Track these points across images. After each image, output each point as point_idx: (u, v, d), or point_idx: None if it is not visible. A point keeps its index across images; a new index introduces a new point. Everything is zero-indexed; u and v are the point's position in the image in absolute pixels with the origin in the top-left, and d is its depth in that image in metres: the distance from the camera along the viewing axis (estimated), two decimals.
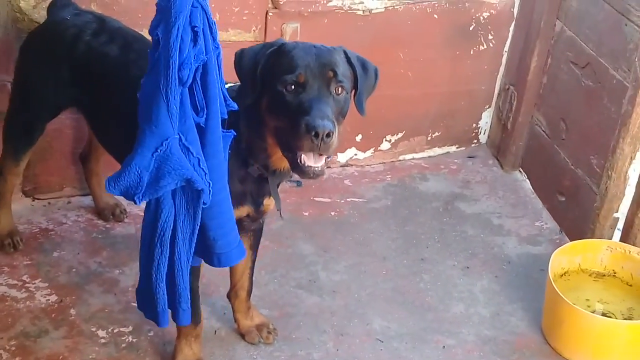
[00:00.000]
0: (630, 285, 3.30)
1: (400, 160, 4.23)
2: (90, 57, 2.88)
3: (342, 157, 4.11)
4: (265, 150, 2.52)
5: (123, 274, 3.27)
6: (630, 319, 3.18)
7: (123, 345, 2.97)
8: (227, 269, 3.01)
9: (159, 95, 2.19)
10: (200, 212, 2.37)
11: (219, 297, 3.17)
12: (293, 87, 2.38)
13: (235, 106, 2.42)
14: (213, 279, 3.23)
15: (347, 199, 3.90)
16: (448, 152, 4.32)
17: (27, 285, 3.18)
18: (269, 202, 2.71)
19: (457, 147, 4.33)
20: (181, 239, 2.41)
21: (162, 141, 2.23)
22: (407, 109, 4.09)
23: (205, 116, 2.29)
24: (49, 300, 3.12)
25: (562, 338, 3.11)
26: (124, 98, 2.55)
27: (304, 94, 2.38)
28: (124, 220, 3.55)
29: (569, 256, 3.32)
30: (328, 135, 2.31)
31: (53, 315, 3.06)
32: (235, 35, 3.58)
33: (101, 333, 3.01)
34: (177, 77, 2.17)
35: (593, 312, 3.14)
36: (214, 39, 2.27)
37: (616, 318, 3.17)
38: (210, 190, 2.34)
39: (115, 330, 3.02)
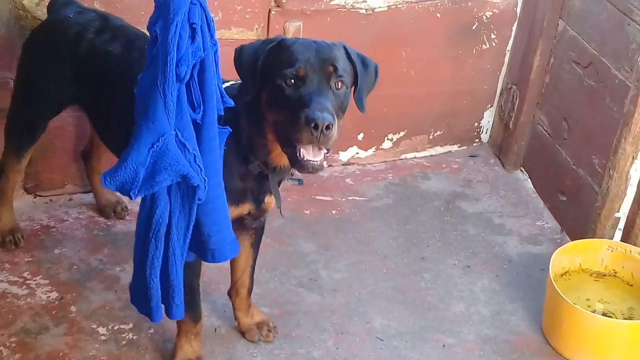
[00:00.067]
0: (631, 285, 3.30)
1: (401, 159, 4.23)
2: (93, 55, 2.88)
3: (343, 156, 4.11)
4: (265, 147, 2.52)
5: (124, 271, 3.27)
6: (630, 318, 3.18)
7: (123, 342, 2.98)
8: (228, 266, 3.02)
9: (156, 92, 2.19)
10: (195, 208, 2.38)
11: (219, 295, 3.17)
12: (293, 81, 2.39)
13: (231, 103, 2.43)
14: (214, 277, 3.24)
15: (349, 198, 3.90)
16: (450, 151, 4.32)
17: (28, 282, 3.19)
18: (270, 200, 2.72)
19: (459, 146, 4.33)
20: (176, 235, 2.41)
21: (159, 137, 2.24)
22: (409, 107, 4.09)
23: (201, 113, 2.30)
24: (49, 297, 3.13)
25: (562, 338, 3.11)
26: (126, 96, 2.55)
27: (304, 88, 2.38)
28: (125, 218, 3.55)
29: (570, 256, 3.32)
30: (327, 127, 2.31)
31: (54, 312, 3.06)
32: (237, 33, 3.58)
33: (101, 330, 3.01)
34: (174, 74, 2.18)
35: (593, 312, 3.14)
36: (212, 36, 2.27)
37: (616, 318, 3.17)
38: (205, 187, 2.35)
39: (115, 328, 3.03)
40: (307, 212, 3.76)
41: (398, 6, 3.82)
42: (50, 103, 3.08)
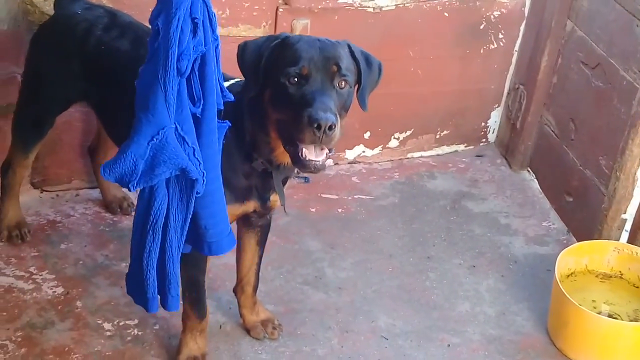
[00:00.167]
0: (637, 287, 3.29)
1: (408, 158, 4.22)
2: (101, 51, 2.88)
3: (350, 154, 4.11)
4: (268, 144, 2.52)
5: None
6: (636, 320, 3.17)
7: (128, 338, 2.98)
8: (233, 264, 3.03)
9: (157, 85, 2.20)
10: (193, 201, 2.39)
11: (224, 292, 3.18)
12: (296, 79, 2.38)
13: (231, 97, 2.44)
14: (219, 274, 3.24)
15: (355, 196, 3.90)
16: (456, 151, 4.32)
17: (34, 276, 3.19)
18: (276, 198, 2.71)
19: (466, 146, 4.33)
20: (173, 227, 2.42)
21: (159, 130, 2.25)
22: (416, 106, 4.09)
23: (201, 107, 2.31)
24: (55, 292, 3.14)
25: (567, 339, 3.10)
26: (133, 93, 2.55)
27: (307, 87, 2.37)
28: (131, 214, 3.55)
29: (576, 257, 3.32)
30: (330, 127, 2.30)
31: (59, 307, 3.07)
32: (245, 30, 3.58)
33: (107, 325, 3.02)
34: (175, 68, 2.19)
35: (599, 314, 3.14)
36: (214, 31, 2.28)
37: (622, 319, 3.17)
38: (204, 180, 2.36)
39: (121, 323, 3.03)
40: (313, 210, 3.76)
41: (406, 5, 3.81)
42: (58, 99, 3.08)
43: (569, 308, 3.02)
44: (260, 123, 2.50)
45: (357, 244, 3.59)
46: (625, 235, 3.44)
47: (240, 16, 3.56)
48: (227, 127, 2.44)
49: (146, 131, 2.25)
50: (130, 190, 2.34)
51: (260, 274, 3.02)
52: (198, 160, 2.32)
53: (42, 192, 3.62)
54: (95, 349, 2.92)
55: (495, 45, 4.08)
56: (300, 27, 3.65)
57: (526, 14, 4.05)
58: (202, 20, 2.22)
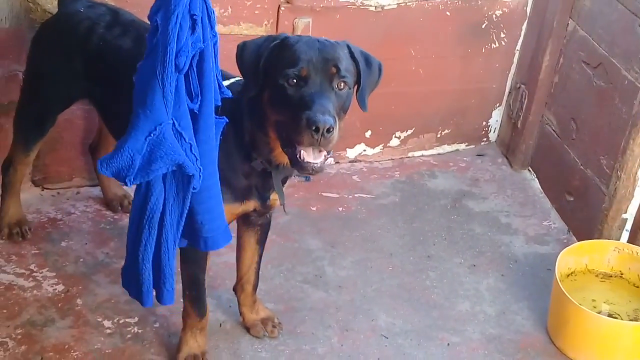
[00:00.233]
0: (637, 287, 3.29)
1: (409, 157, 4.22)
2: (104, 49, 2.88)
3: (351, 153, 4.11)
4: (267, 145, 2.52)
5: None
6: (636, 320, 3.17)
7: (128, 335, 2.98)
8: (233, 262, 3.03)
9: (155, 81, 2.21)
10: (189, 197, 2.40)
11: (224, 290, 3.18)
12: (295, 81, 2.37)
13: (229, 93, 2.44)
14: (219, 272, 3.25)
15: (355, 195, 3.90)
16: (457, 150, 4.32)
17: (34, 274, 3.20)
18: (275, 197, 2.71)
19: (467, 145, 4.33)
20: (169, 222, 2.43)
21: (156, 126, 2.25)
22: (417, 105, 4.09)
23: (199, 103, 2.32)
24: (55, 289, 3.14)
25: (567, 338, 3.10)
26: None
27: (306, 88, 2.37)
28: None
29: (576, 256, 3.32)
30: (329, 130, 2.30)
31: (59, 305, 3.07)
32: (247, 29, 3.58)
33: (107, 323, 3.02)
34: (173, 64, 2.20)
35: (599, 313, 3.14)
36: (212, 28, 2.29)
37: (622, 319, 3.17)
38: (200, 176, 2.36)
39: (121, 321, 3.04)
40: (314, 208, 3.77)
41: (408, 4, 3.81)
42: (60, 97, 3.08)
43: (569, 307, 3.02)
44: (259, 123, 2.50)
45: (358, 242, 3.59)
46: (625, 235, 3.44)
47: (242, 14, 3.56)
48: (225, 124, 2.44)
49: (144, 126, 2.26)
50: (127, 185, 2.35)
51: (260, 272, 3.02)
52: (195, 156, 2.33)
53: (43, 190, 3.63)
54: (96, 347, 2.92)
55: (497, 45, 4.08)
56: (302, 25, 3.65)
57: (528, 14, 4.05)
58: (201, 17, 2.23)
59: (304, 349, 3.03)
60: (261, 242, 2.96)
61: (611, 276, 3.34)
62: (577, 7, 3.72)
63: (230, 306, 3.14)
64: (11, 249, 3.30)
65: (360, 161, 4.14)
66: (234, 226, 2.87)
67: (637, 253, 3.27)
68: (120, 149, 2.28)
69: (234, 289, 3.06)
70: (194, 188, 2.38)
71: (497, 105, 4.27)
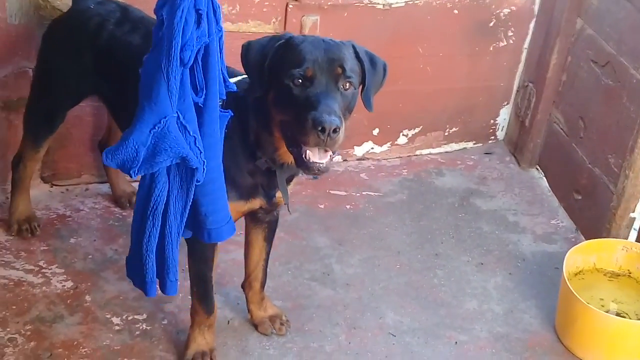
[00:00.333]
0: None
1: (416, 155, 4.22)
2: (113, 45, 2.89)
3: (358, 151, 4.11)
4: (272, 144, 2.52)
5: None
6: None
7: (137, 332, 2.99)
8: (241, 259, 3.04)
9: (160, 74, 2.23)
10: (193, 189, 2.41)
11: (232, 288, 3.19)
12: (300, 81, 2.37)
13: (234, 87, 2.45)
14: (227, 270, 3.25)
15: (363, 193, 3.90)
16: (465, 148, 4.31)
17: (43, 270, 3.21)
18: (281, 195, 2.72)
19: (474, 143, 4.33)
20: (173, 214, 2.45)
21: (161, 119, 2.27)
22: (424, 103, 4.09)
23: (204, 96, 2.33)
24: (64, 286, 3.15)
25: (575, 337, 3.10)
26: None
27: (312, 89, 2.37)
28: None
29: (584, 255, 3.32)
30: (335, 130, 2.30)
31: (68, 301, 3.08)
32: (255, 26, 3.58)
33: (115, 320, 3.03)
34: (178, 58, 2.22)
35: (607, 312, 3.14)
36: (217, 22, 2.30)
37: (630, 318, 3.16)
38: (204, 169, 2.38)
39: (129, 318, 3.05)
40: (321, 206, 3.77)
41: (415, 2, 3.81)
42: (70, 93, 3.09)
43: (577, 306, 3.02)
44: (264, 122, 2.50)
45: (365, 240, 3.59)
46: (633, 234, 3.44)
47: (250, 12, 3.56)
48: (230, 118, 2.45)
49: (148, 119, 2.28)
50: (131, 177, 2.36)
51: (268, 269, 3.03)
52: (199, 149, 2.35)
53: (52, 187, 3.64)
54: (104, 343, 2.93)
55: (505, 43, 4.07)
56: (310, 23, 3.65)
57: (536, 12, 4.04)
58: (206, 12, 2.24)
59: (312, 346, 3.03)
60: (269, 239, 2.96)
61: (619, 275, 3.34)
62: (585, 6, 3.72)
63: (238, 303, 3.14)
64: (20, 245, 3.31)
65: (368, 159, 4.14)
66: (241, 223, 2.88)
67: None
68: (125, 140, 2.30)
69: (242, 286, 3.06)
70: (197, 181, 2.39)
71: (505, 103, 4.27)
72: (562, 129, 3.93)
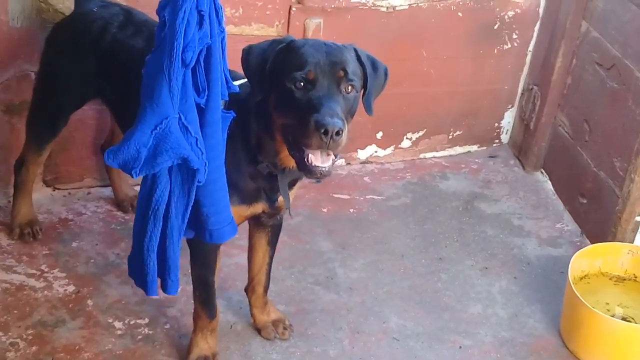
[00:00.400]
0: None
1: (420, 159, 4.21)
2: (116, 49, 2.88)
3: (362, 154, 4.10)
4: (274, 148, 2.51)
5: None
6: None
7: (139, 337, 2.98)
8: (244, 263, 3.03)
9: (162, 75, 2.23)
10: (194, 190, 2.41)
11: (235, 292, 3.17)
12: (302, 84, 2.36)
13: (236, 89, 2.44)
14: (230, 274, 3.24)
15: (366, 196, 3.89)
16: (469, 152, 4.30)
17: (45, 274, 3.20)
18: None
19: (479, 147, 4.31)
20: (174, 214, 2.45)
21: (162, 120, 2.27)
22: (428, 107, 4.08)
23: (206, 97, 2.33)
24: (66, 290, 3.14)
25: (580, 341, 3.08)
26: None
27: (314, 92, 2.35)
28: None
29: (590, 259, 3.30)
30: (337, 133, 2.28)
31: (70, 306, 3.07)
32: (258, 29, 3.58)
33: (118, 324, 3.02)
34: (180, 59, 2.22)
35: (612, 316, 3.12)
36: (220, 23, 2.30)
37: (636, 322, 3.14)
38: (205, 170, 2.38)
39: (131, 322, 3.03)
40: (325, 210, 3.76)
41: (419, 4, 3.80)
42: (73, 97, 3.09)
43: (582, 310, 3.00)
44: (265, 126, 2.49)
45: (369, 244, 3.58)
46: (639, 238, 3.41)
47: (254, 15, 3.55)
48: (232, 119, 2.45)
49: (150, 120, 2.28)
50: (133, 177, 2.36)
51: (271, 274, 3.01)
52: (200, 150, 2.35)
53: (54, 190, 3.63)
54: (106, 348, 2.92)
55: (509, 46, 4.06)
56: (313, 26, 3.64)
57: (541, 15, 4.03)
58: (209, 13, 2.24)
59: (315, 351, 3.01)
60: (272, 243, 2.95)
61: (625, 279, 3.32)
62: (590, 8, 3.70)
63: (241, 308, 3.13)
64: (22, 249, 3.30)
65: (372, 162, 4.13)
66: (245, 227, 2.86)
67: None
68: (127, 141, 2.30)
69: (245, 291, 3.05)
70: (198, 181, 2.39)
71: (510, 106, 4.25)
72: (567, 132, 3.91)
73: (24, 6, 3.24)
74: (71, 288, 3.15)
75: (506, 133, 4.33)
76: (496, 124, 4.29)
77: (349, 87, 2.41)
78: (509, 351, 3.10)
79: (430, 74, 3.99)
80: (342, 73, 2.39)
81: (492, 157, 4.28)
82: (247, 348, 3.00)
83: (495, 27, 3.98)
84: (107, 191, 3.64)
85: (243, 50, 2.47)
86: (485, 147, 4.32)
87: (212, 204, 2.46)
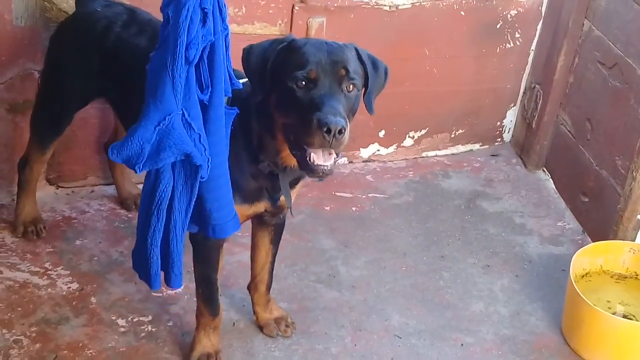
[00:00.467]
0: None
1: (423, 157, 4.22)
2: (120, 48, 2.89)
3: (364, 153, 4.11)
4: (275, 147, 2.51)
5: None
6: None
7: (142, 334, 2.99)
8: (246, 261, 3.04)
9: (165, 72, 2.25)
10: (197, 185, 2.42)
11: (238, 289, 3.18)
12: (304, 83, 2.36)
13: (240, 85, 2.45)
14: (233, 271, 3.25)
15: (369, 195, 3.89)
16: (471, 150, 4.30)
17: (49, 272, 3.21)
18: None
19: (481, 145, 4.32)
20: (178, 209, 2.46)
21: (165, 116, 2.29)
22: (431, 105, 4.08)
23: (209, 94, 2.34)
24: (70, 288, 3.15)
25: (582, 339, 3.09)
26: None
27: (315, 90, 2.36)
28: None
29: (591, 257, 3.30)
30: (340, 131, 2.29)
31: (74, 303, 3.08)
32: (261, 28, 3.58)
33: (121, 322, 3.03)
34: (183, 56, 2.23)
35: (614, 314, 3.12)
36: (223, 20, 2.31)
37: (637, 320, 3.15)
38: (208, 166, 2.39)
39: (134, 320, 3.04)
40: (327, 208, 3.76)
41: (422, 4, 3.81)
42: (78, 96, 3.09)
43: (584, 308, 3.01)
44: (266, 126, 2.50)
45: (371, 242, 3.59)
46: None
47: (256, 14, 3.56)
48: (235, 115, 2.45)
49: (153, 116, 2.29)
50: (136, 172, 2.37)
51: (273, 271, 3.02)
52: (203, 146, 2.36)
53: (57, 189, 3.64)
54: (110, 345, 2.93)
55: (512, 45, 4.06)
56: (316, 25, 3.65)
57: (543, 13, 4.03)
58: (212, 10, 2.25)
59: (317, 348, 3.02)
60: (275, 241, 2.95)
61: (626, 277, 3.33)
62: (593, 7, 3.70)
63: (244, 305, 3.14)
64: (26, 247, 3.31)
65: (374, 161, 4.14)
66: (248, 225, 2.87)
67: None
68: (131, 137, 2.32)
69: (248, 288, 3.06)
70: (201, 177, 2.40)
71: (512, 105, 4.25)
72: (569, 130, 3.91)
73: (27, 5, 3.25)
74: (75, 286, 3.16)
75: (508, 132, 4.33)
76: (498, 123, 4.29)
77: (351, 86, 2.42)
78: (510, 349, 3.11)
79: (432, 72, 3.99)
80: (343, 72, 2.40)
81: (494, 155, 4.29)
82: (250, 345, 3.01)
83: (498, 26, 3.99)
84: (111, 189, 3.65)
85: (243, 49, 2.48)
86: (487, 146, 4.33)
87: (215, 200, 2.47)
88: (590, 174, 3.71)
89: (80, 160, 3.61)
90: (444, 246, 3.61)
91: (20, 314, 3.00)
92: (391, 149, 4.14)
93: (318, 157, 2.37)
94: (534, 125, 4.10)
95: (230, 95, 2.44)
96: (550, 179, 4.09)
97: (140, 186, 3.38)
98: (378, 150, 4.12)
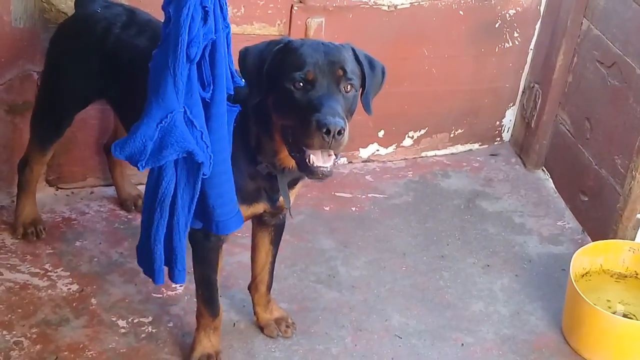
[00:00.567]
0: None
1: (422, 157, 4.22)
2: (120, 49, 2.89)
3: (364, 153, 4.11)
4: (273, 148, 2.51)
5: None
6: None
7: (143, 335, 2.99)
8: (247, 261, 3.04)
9: (167, 70, 2.26)
10: (199, 182, 2.43)
11: (238, 290, 3.18)
12: (302, 84, 2.36)
13: (241, 83, 2.46)
14: (233, 272, 3.25)
15: (368, 195, 3.89)
16: (471, 150, 4.31)
17: (49, 273, 3.21)
18: None
19: (480, 145, 4.32)
20: (180, 205, 2.47)
21: (167, 114, 2.29)
22: (430, 105, 4.08)
23: (211, 91, 2.35)
24: (70, 289, 3.15)
25: (582, 338, 3.09)
26: None
27: (313, 92, 2.36)
28: None
29: (591, 256, 3.31)
30: (339, 132, 2.29)
31: (74, 304, 3.08)
32: (259, 28, 3.58)
33: (121, 323, 3.03)
34: (185, 54, 2.24)
35: (614, 313, 3.13)
36: (224, 18, 2.32)
37: (637, 319, 3.15)
38: (210, 163, 2.39)
39: (135, 321, 3.04)
40: (327, 208, 3.76)
41: (420, 3, 3.81)
42: (78, 97, 3.09)
43: (584, 308, 3.01)
44: (264, 127, 2.50)
45: (371, 242, 3.59)
46: None
47: (255, 14, 3.56)
48: (238, 111, 2.46)
49: (156, 114, 2.30)
50: (139, 170, 2.38)
51: (274, 272, 3.02)
52: (205, 144, 2.37)
53: (57, 190, 3.64)
54: (110, 346, 2.93)
55: (511, 44, 4.06)
56: (315, 25, 3.65)
57: (542, 13, 4.03)
58: (213, 8, 2.26)
59: (318, 348, 3.03)
60: (275, 242, 2.95)
61: (626, 276, 3.33)
62: (591, 6, 3.71)
63: (244, 306, 3.14)
64: (26, 248, 3.31)
65: (374, 161, 4.14)
66: (248, 226, 2.87)
67: None
68: (134, 134, 2.33)
69: (248, 289, 3.06)
70: (204, 174, 2.41)
71: (511, 104, 4.26)
72: (568, 130, 3.92)
73: (26, 6, 3.25)
74: (75, 287, 3.16)
75: (507, 131, 4.34)
76: (497, 122, 4.29)
77: (349, 86, 2.41)
78: (510, 348, 3.11)
79: (431, 72, 4.00)
80: (341, 72, 2.39)
81: (494, 155, 4.29)
82: (250, 346, 3.01)
83: (497, 25, 3.99)
84: (110, 190, 3.65)
85: (240, 52, 2.48)
86: (486, 145, 4.33)
87: (218, 196, 2.48)
88: (589, 173, 3.71)
89: (79, 162, 3.61)
90: (443, 246, 3.61)
91: (20, 316, 3.00)
92: (390, 149, 4.15)
93: (317, 159, 2.37)
94: (533, 125, 4.10)
95: (232, 92, 2.44)
96: (550, 179, 4.09)
97: (140, 187, 3.40)
98: (377, 150, 4.13)
